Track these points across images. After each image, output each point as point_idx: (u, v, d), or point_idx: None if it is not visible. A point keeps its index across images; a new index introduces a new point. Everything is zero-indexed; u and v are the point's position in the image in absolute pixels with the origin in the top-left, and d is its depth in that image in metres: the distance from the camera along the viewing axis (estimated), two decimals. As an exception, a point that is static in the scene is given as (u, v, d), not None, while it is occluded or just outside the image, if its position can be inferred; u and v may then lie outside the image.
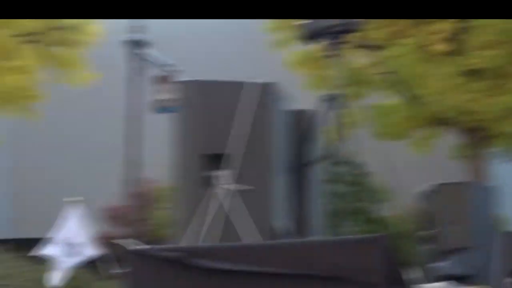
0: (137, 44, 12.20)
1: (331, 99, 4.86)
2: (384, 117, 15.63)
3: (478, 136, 16.71)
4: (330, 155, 4.94)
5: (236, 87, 4.54)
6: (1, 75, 19.02)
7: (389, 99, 16.18)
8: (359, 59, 15.47)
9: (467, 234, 7.32)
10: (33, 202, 29.51)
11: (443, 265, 4.49)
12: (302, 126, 4.87)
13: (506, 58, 15.57)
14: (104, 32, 20.15)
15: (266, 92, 4.55)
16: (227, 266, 3.53)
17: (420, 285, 3.44)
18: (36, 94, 19.84)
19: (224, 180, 4.44)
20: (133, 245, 3.81)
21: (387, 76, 15.47)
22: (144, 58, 12.05)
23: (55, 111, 22.77)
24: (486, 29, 15.40)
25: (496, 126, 16.09)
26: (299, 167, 4.81)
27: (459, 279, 5.87)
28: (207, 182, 4.47)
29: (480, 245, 7.40)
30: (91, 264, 16.76)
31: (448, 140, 17.29)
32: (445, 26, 15.30)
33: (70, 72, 20.44)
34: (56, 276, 14.10)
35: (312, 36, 4.95)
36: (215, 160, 4.48)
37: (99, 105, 26.95)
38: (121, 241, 3.75)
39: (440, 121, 16.14)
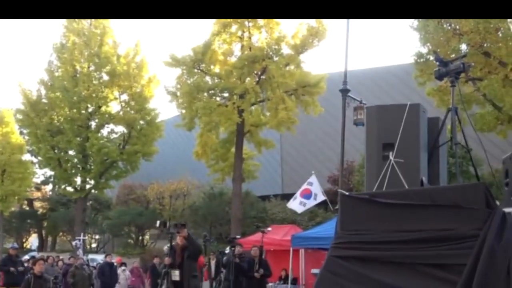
0: (344, 90, 12.21)
1: (451, 110, 4.62)
2: (481, 119, 14.83)
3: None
4: (449, 141, 4.68)
5: (400, 107, 4.48)
6: (277, 113, 19.94)
7: (484, 109, 15.37)
8: (468, 87, 14.62)
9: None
10: (293, 174, 30.46)
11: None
12: (435, 125, 4.68)
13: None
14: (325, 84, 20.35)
15: (417, 109, 4.44)
16: (395, 201, 3.51)
17: (503, 208, 3.17)
18: (294, 120, 20.50)
19: (391, 157, 4.35)
20: (343, 192, 3.89)
21: (482, 96, 14.58)
22: (347, 96, 12.04)
23: (302, 126, 23.35)
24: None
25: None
26: (434, 148, 4.62)
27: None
28: (384, 158, 4.42)
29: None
30: (322, 204, 17.12)
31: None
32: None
33: (310, 107, 20.84)
34: (299, 209, 14.49)
35: (441, 76, 4.75)
36: (388, 146, 4.43)
37: (324, 121, 27.19)
38: (338, 190, 3.78)
39: None
